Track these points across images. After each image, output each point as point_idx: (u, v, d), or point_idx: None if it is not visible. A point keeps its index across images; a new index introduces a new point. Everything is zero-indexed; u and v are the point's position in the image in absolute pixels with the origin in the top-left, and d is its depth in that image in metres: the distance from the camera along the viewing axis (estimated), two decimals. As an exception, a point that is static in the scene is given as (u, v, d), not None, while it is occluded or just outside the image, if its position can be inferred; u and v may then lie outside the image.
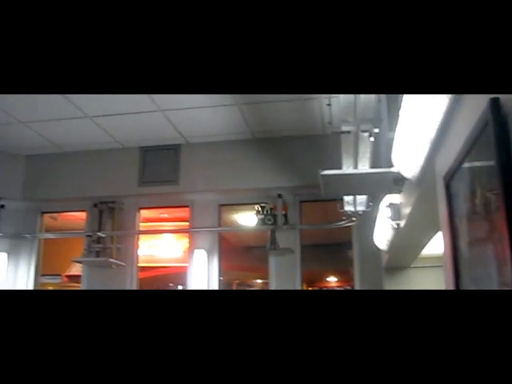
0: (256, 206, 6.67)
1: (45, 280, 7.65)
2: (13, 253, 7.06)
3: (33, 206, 7.19)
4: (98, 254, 6.72)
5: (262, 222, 6.44)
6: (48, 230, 7.50)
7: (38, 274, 7.19)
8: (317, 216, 7.22)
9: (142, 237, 7.18)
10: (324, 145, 5.98)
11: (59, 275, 8.90)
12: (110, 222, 6.81)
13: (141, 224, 7.09)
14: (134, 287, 6.71)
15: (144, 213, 7.19)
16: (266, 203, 6.63)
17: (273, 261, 6.48)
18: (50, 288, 8.38)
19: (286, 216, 6.46)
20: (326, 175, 3.63)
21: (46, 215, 7.40)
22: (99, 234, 6.72)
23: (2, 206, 7.01)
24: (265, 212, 6.45)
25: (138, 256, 6.87)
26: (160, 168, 6.73)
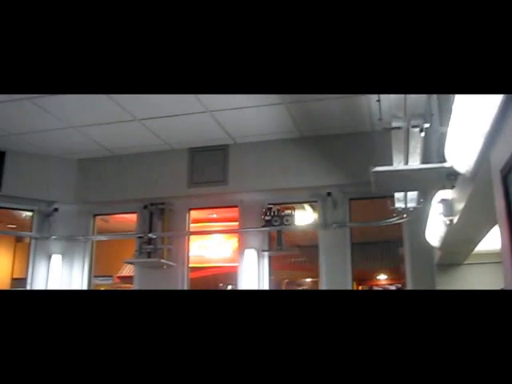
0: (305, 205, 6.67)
1: (97, 281, 7.77)
2: (67, 255, 7.23)
3: (85, 208, 7.34)
4: (149, 255, 6.80)
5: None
6: (100, 232, 7.63)
7: (92, 275, 7.32)
8: (366, 214, 7.15)
9: (191, 237, 7.22)
10: (373, 141, 5.90)
11: (111, 276, 9.04)
12: (161, 223, 6.89)
13: (190, 225, 7.13)
14: (186, 287, 6.76)
15: (193, 214, 7.23)
16: (315, 202, 6.61)
17: (323, 260, 6.44)
18: (102, 289, 8.51)
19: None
20: (377, 172, 3.60)
21: (97, 217, 7.53)
22: (150, 235, 6.80)
23: (56, 210, 7.19)
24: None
25: (188, 256, 6.93)
26: (209, 169, 6.77)
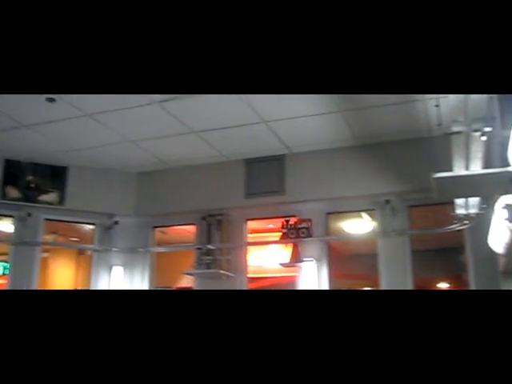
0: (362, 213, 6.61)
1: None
2: (128, 266, 7.37)
3: (145, 221, 7.47)
4: (208, 266, 6.85)
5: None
6: (159, 244, 7.73)
7: (152, 286, 7.42)
8: (426, 220, 7.03)
9: (249, 248, 7.23)
10: (431, 147, 5.81)
11: (170, 287, 9.13)
12: (219, 234, 6.93)
13: (248, 235, 7.15)
14: (245, 298, 6.77)
15: (251, 224, 7.25)
16: (373, 210, 6.54)
17: (383, 268, 6.35)
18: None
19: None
20: (438, 178, 3.54)
21: (156, 230, 7.63)
22: (209, 246, 6.85)
23: (117, 222, 7.33)
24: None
25: (246, 267, 6.94)
26: (265, 179, 6.79)
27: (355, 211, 6.90)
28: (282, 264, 6.96)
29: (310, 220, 6.68)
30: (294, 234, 6.66)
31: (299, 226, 6.66)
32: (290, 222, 6.72)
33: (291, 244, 7.13)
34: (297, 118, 5.83)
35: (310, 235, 6.63)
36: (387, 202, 6.35)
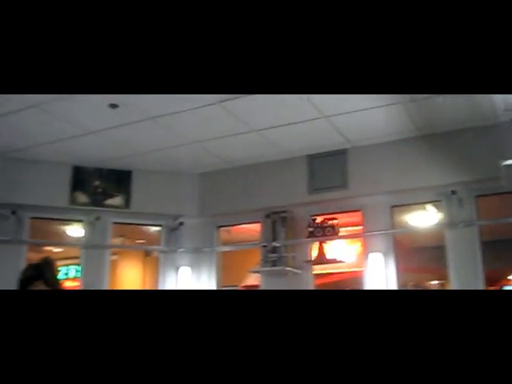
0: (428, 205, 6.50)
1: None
2: (194, 266, 7.47)
3: (209, 221, 7.55)
4: (273, 264, 6.85)
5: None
6: (223, 244, 7.79)
7: (219, 285, 7.49)
8: (495, 210, 6.84)
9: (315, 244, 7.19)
10: (498, 134, 5.63)
11: (236, 286, 9.19)
12: (284, 231, 6.93)
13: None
14: (311, 294, 6.75)
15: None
16: (439, 201, 6.42)
17: (451, 261, 6.21)
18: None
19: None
20: (509, 165, 3.44)
21: (221, 229, 7.69)
22: (274, 243, 6.86)
23: (182, 223, 7.43)
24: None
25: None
26: (328, 174, 6.75)
27: (420, 203, 6.77)
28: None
29: (336, 218, 6.77)
30: (321, 232, 6.77)
31: (325, 225, 6.76)
32: (316, 221, 6.82)
33: (359, 239, 7.11)
34: (358, 112, 5.77)
35: (335, 233, 6.73)
36: (453, 192, 6.20)
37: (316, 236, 6.81)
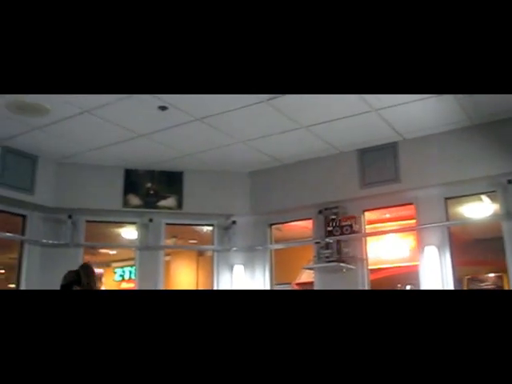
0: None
1: (277, 289, 7.90)
2: (248, 264, 7.51)
3: (261, 219, 7.57)
4: (327, 260, 6.82)
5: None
6: (275, 241, 7.79)
7: (273, 283, 7.50)
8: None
9: (368, 239, 7.13)
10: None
11: (289, 284, 9.17)
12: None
13: (366, 226, 7.06)
14: (366, 289, 6.69)
15: (366, 215, 7.15)
16: (494, 191, 6.27)
17: (510, 252, 6.04)
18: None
19: None
20: None
21: (273, 227, 7.70)
22: (327, 240, 6.83)
23: (234, 222, 7.47)
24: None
25: (367, 258, 6.85)
26: (380, 168, 6.67)
27: (475, 194, 6.62)
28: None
29: (354, 217, 6.85)
30: (339, 231, 6.86)
31: (343, 224, 6.84)
32: (336, 220, 6.91)
33: (412, 232, 7.02)
34: (407, 104, 5.68)
35: (353, 232, 6.79)
36: (510, 182, 6.04)
37: (334, 235, 6.89)
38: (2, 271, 7.27)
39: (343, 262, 6.70)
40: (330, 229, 6.96)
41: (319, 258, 6.89)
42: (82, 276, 3.88)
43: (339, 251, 6.82)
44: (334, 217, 6.96)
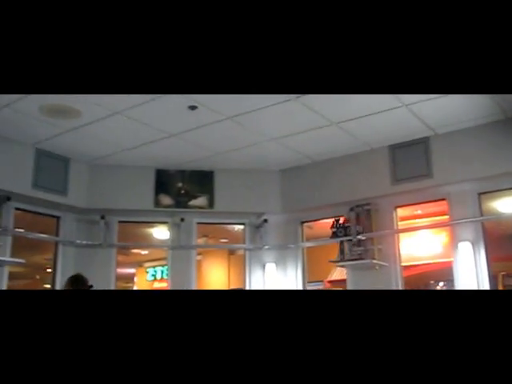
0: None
1: (309, 287, 7.89)
2: (280, 262, 7.51)
3: (293, 217, 7.56)
4: (360, 257, 6.79)
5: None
6: (306, 239, 7.77)
7: (305, 281, 7.48)
8: None
9: (400, 236, 7.06)
10: None
11: (321, 281, 9.15)
12: (368, 223, 6.85)
13: (399, 223, 7.00)
14: (400, 287, 6.63)
15: (398, 211, 7.08)
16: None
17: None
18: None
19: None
20: None
21: (304, 224, 7.68)
22: (359, 237, 6.79)
23: (266, 221, 7.47)
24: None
25: (400, 255, 6.79)
26: (411, 164, 6.60)
27: (509, 189, 6.50)
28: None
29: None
30: (343, 232, 6.97)
31: (347, 225, 6.94)
32: (339, 222, 7.06)
33: (444, 228, 6.95)
34: (439, 98, 5.60)
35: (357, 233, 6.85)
36: (545, 175, 5.94)
37: (338, 236, 7.00)
38: (49, 270, 7.39)
39: (376, 258, 6.66)
40: (334, 230, 7.13)
41: (351, 255, 6.84)
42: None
43: (370, 248, 6.80)
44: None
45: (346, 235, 6.93)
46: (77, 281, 4.74)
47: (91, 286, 4.73)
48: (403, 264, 6.94)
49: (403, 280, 6.75)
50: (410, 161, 6.62)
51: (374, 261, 6.62)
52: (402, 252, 6.88)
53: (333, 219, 7.17)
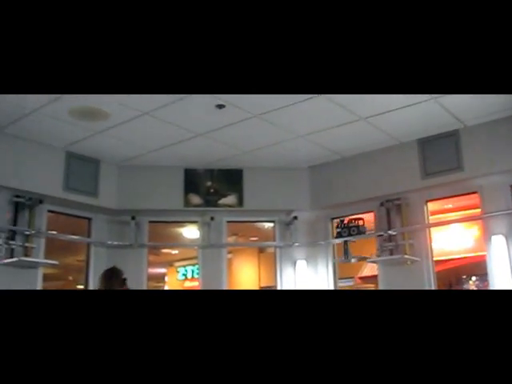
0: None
1: (340, 283, 7.86)
2: (310, 259, 7.51)
3: (322, 213, 7.55)
4: (391, 253, 6.74)
5: None
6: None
7: (336, 277, 7.46)
8: None
9: (432, 230, 6.98)
10: None
11: (352, 278, 9.11)
12: (399, 218, 6.80)
13: (430, 217, 6.93)
14: (432, 282, 6.57)
15: (429, 205, 7.01)
16: None
17: None
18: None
19: None
20: None
21: (334, 221, 7.65)
22: (390, 232, 6.75)
23: (295, 218, 7.47)
24: None
25: (431, 250, 6.73)
26: (441, 157, 6.51)
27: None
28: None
29: (362, 219, 7.11)
30: (346, 232, 7.12)
31: (351, 225, 7.12)
32: (344, 222, 7.22)
33: (476, 222, 6.86)
34: (467, 91, 5.54)
35: (359, 233, 7.06)
36: None
37: (342, 236, 7.15)
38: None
39: (407, 253, 6.60)
40: (338, 230, 7.30)
41: (382, 250, 6.80)
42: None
43: (401, 243, 6.75)
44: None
45: (350, 235, 7.06)
46: (111, 273, 4.81)
47: (125, 279, 4.79)
48: (435, 259, 6.87)
49: (435, 275, 6.67)
50: (440, 154, 6.54)
51: (406, 256, 6.56)
52: (433, 247, 6.81)
53: (337, 220, 7.35)
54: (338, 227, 7.24)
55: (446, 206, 7.75)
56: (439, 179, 6.53)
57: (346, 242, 7.07)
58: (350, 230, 7.08)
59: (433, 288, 6.51)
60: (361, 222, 7.10)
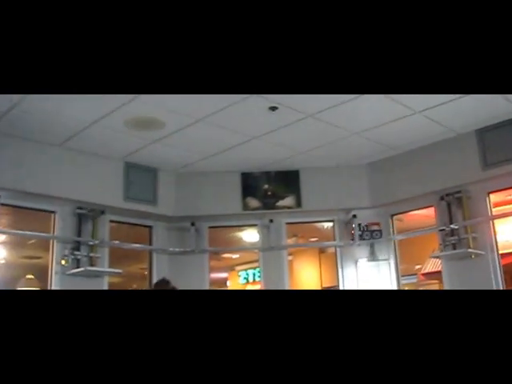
0: None
1: (402, 281, 7.74)
2: (373, 258, 7.39)
3: (382, 210, 7.44)
4: (454, 247, 6.61)
5: None
6: (398, 232, 7.63)
7: (399, 275, 7.35)
8: None
9: (496, 222, 6.79)
10: None
11: (415, 274, 8.97)
12: (460, 212, 6.64)
13: (493, 209, 6.75)
14: (498, 276, 6.38)
15: (491, 197, 6.82)
16: None
17: None
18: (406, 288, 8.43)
19: None
20: None
21: (394, 217, 7.55)
22: (452, 226, 6.61)
23: (355, 216, 7.40)
24: None
25: (496, 243, 6.55)
26: (502, 146, 6.28)
27: None
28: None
29: (378, 223, 7.36)
30: (369, 235, 7.33)
31: (372, 229, 7.35)
32: (364, 225, 7.39)
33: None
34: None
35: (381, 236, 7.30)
36: None
37: (364, 239, 7.33)
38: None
39: (471, 247, 6.45)
40: (359, 233, 7.42)
41: (445, 245, 6.67)
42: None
43: (464, 237, 6.58)
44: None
45: (372, 238, 7.28)
46: (161, 284, 4.91)
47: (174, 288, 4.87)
48: (501, 252, 6.69)
49: (502, 268, 6.49)
50: (501, 143, 6.34)
51: (470, 250, 6.41)
52: (498, 239, 6.63)
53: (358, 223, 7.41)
54: (359, 230, 7.36)
55: (509, 197, 7.54)
56: (501, 169, 6.34)
57: (372, 244, 7.29)
58: (372, 234, 7.30)
59: (500, 282, 6.33)
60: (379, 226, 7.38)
